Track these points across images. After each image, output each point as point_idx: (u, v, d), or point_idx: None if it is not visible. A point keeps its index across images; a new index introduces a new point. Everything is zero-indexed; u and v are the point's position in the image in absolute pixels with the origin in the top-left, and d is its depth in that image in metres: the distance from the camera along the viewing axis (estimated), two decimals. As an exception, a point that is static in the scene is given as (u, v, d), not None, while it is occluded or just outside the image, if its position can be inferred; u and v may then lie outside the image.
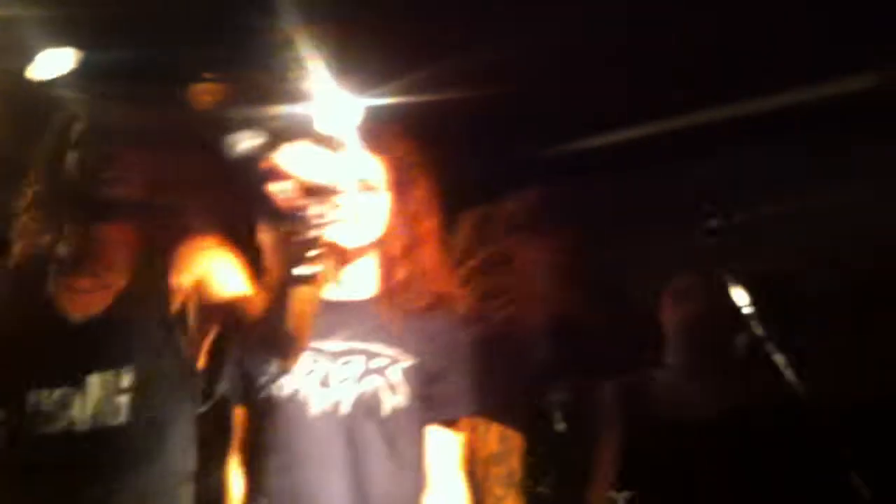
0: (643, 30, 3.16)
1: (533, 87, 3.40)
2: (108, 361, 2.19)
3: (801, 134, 3.46)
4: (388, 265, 2.41)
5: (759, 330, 2.80)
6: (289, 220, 1.92)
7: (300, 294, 2.02)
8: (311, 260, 1.98)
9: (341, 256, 2.38)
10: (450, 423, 2.38)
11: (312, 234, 1.93)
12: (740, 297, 2.81)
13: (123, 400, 2.17)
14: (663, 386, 3.06)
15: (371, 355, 2.32)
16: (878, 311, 3.29)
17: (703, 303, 3.00)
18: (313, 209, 1.91)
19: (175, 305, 2.28)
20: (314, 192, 1.92)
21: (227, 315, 2.24)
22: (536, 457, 2.83)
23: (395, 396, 2.30)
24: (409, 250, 2.41)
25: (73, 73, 3.02)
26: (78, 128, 2.25)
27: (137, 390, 2.19)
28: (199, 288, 2.28)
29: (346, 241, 2.35)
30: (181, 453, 2.28)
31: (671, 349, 3.09)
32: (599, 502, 2.77)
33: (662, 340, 3.11)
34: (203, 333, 2.33)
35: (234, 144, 1.93)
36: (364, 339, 2.33)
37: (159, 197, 2.25)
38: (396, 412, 2.30)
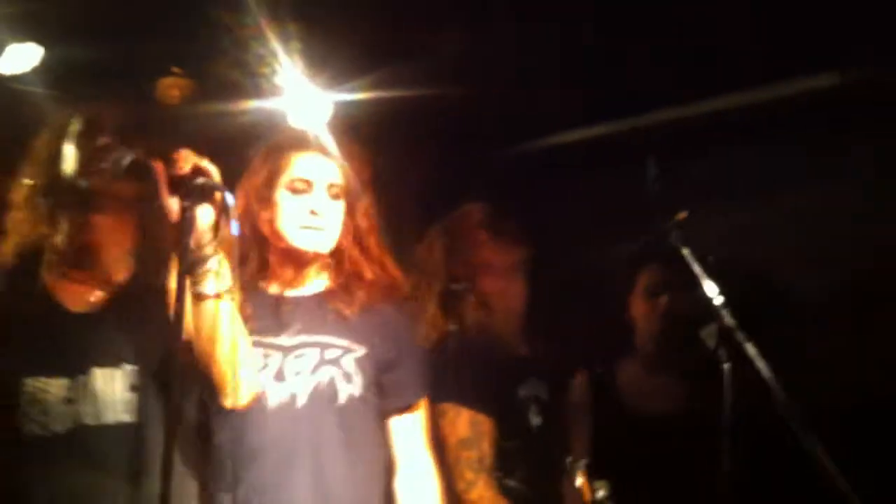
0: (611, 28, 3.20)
1: (499, 86, 3.42)
2: (112, 357, 2.18)
3: (782, 133, 3.49)
4: (339, 261, 2.46)
5: (729, 321, 2.81)
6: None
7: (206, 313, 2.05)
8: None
9: (299, 260, 2.41)
10: (407, 408, 2.45)
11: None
12: (710, 288, 2.82)
13: (130, 397, 2.16)
14: (632, 379, 3.07)
15: (324, 346, 2.36)
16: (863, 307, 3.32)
17: (673, 295, 3.01)
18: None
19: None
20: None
21: None
22: (508, 449, 2.83)
23: (350, 385, 2.34)
24: (359, 247, 2.47)
25: (39, 69, 3.00)
26: (76, 123, 2.22)
27: (142, 388, 2.18)
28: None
29: (308, 247, 2.39)
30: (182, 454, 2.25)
31: (642, 343, 3.09)
32: (572, 496, 2.76)
33: (633, 334, 3.12)
34: None
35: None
36: (316, 332, 2.37)
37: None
38: (352, 400, 2.34)
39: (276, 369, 2.34)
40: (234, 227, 1.95)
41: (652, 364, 3.07)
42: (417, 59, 3.18)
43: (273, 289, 2.42)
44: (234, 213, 1.96)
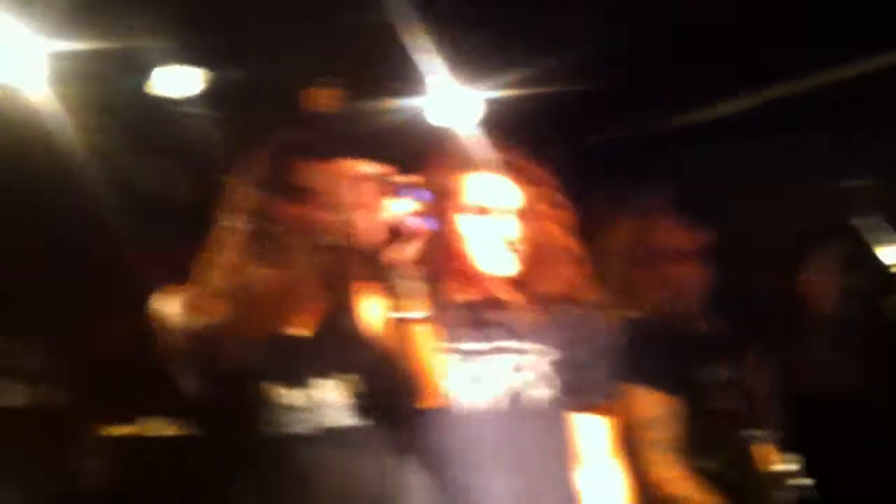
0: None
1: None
2: (338, 369, 2.25)
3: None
4: (528, 266, 2.40)
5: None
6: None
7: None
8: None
9: (485, 277, 2.39)
10: (598, 408, 2.42)
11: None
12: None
13: (354, 405, 2.23)
14: (812, 356, 2.96)
15: (518, 352, 2.37)
16: None
17: (851, 270, 2.90)
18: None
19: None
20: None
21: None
22: (694, 429, 2.77)
23: (543, 388, 2.35)
24: (548, 250, 2.41)
25: (201, 93, 3.13)
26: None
27: (364, 397, 2.25)
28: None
29: (497, 271, 2.37)
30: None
31: (821, 319, 2.98)
32: (767, 477, 2.69)
33: (812, 310, 3.01)
34: None
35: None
36: (509, 337, 2.37)
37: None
38: (546, 403, 2.35)
39: (473, 374, 2.36)
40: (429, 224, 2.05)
41: (833, 340, 2.95)
42: (567, 52, 3.16)
43: (461, 296, 2.41)
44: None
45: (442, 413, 2.30)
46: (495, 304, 2.42)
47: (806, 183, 3.33)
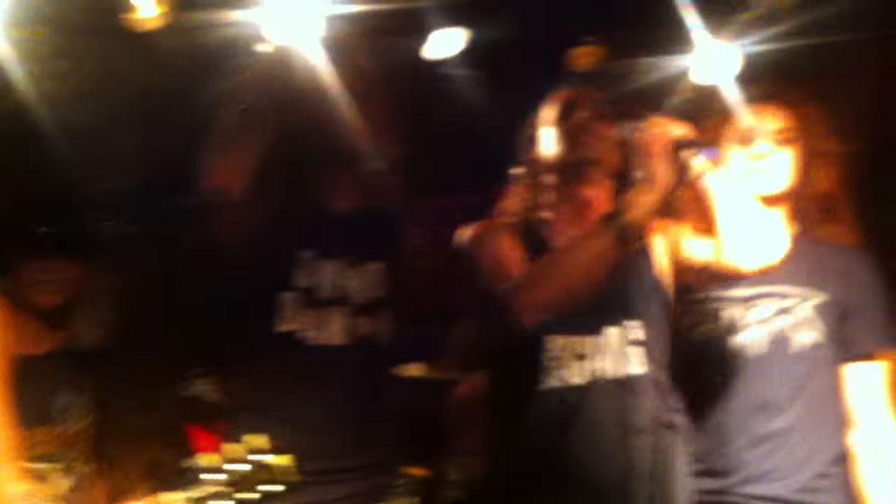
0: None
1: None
2: (622, 316, 2.29)
3: None
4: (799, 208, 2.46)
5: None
6: None
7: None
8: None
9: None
10: (868, 357, 2.38)
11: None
12: None
13: (636, 350, 2.27)
14: None
15: (781, 296, 2.38)
16: None
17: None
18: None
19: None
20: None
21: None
22: None
23: (806, 334, 2.34)
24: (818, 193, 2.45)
25: (463, 53, 3.24)
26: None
27: (645, 343, 2.28)
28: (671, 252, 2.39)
29: (760, 190, 2.39)
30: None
31: None
32: None
33: None
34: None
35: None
36: (772, 282, 2.37)
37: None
38: (808, 350, 2.34)
39: (734, 320, 2.39)
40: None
41: None
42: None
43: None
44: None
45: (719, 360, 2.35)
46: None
47: None
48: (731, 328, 2.39)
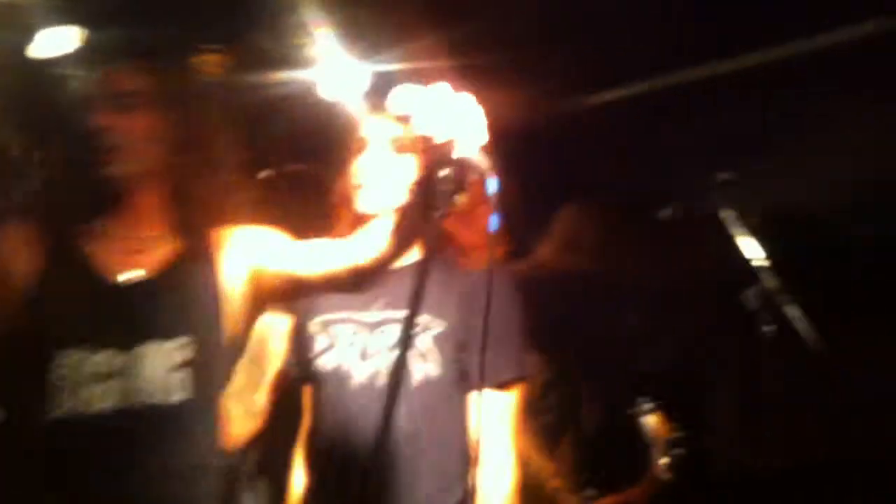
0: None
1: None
2: (164, 330, 2.06)
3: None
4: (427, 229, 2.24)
5: (770, 283, 2.81)
6: None
7: None
8: None
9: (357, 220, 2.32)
10: (496, 387, 2.25)
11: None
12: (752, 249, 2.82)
13: (181, 375, 2.05)
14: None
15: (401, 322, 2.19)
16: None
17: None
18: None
19: (223, 279, 2.20)
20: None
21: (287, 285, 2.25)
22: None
23: (425, 365, 2.23)
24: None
25: (76, 52, 3.00)
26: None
27: (197, 365, 2.07)
28: (255, 267, 2.25)
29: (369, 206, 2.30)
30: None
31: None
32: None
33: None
34: (256, 310, 2.29)
35: None
36: (399, 307, 2.24)
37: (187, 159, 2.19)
38: (425, 383, 2.22)
39: (362, 347, 2.27)
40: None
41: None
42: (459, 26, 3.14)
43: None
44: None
45: (329, 388, 2.23)
46: (391, 271, 2.30)
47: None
48: (362, 355, 2.28)
